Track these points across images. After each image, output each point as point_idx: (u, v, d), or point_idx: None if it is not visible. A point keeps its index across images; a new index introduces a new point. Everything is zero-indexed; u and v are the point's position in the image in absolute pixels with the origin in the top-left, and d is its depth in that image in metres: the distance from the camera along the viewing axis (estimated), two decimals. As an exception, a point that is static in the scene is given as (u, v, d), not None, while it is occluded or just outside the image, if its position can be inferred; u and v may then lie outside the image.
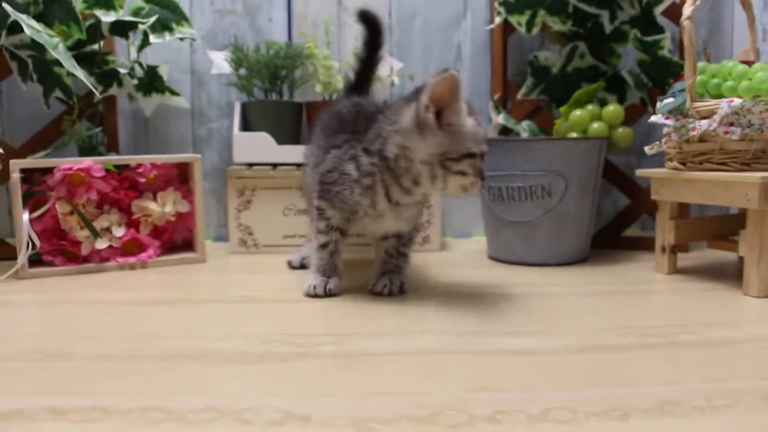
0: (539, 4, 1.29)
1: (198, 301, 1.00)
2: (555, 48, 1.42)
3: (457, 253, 1.37)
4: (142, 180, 1.27)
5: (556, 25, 1.31)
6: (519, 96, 1.40)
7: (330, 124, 1.03)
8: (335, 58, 1.47)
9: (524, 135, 1.37)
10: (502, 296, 0.98)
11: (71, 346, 0.76)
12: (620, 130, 1.25)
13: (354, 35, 1.51)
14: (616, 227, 1.40)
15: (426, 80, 0.86)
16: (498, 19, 1.37)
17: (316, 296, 0.99)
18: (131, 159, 1.27)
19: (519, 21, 1.32)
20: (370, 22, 1.11)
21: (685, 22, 1.01)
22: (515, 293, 1.00)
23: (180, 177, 1.34)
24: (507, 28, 1.43)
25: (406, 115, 0.87)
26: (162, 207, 1.28)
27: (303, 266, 1.21)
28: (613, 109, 1.24)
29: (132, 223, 1.28)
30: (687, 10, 1.01)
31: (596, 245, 1.39)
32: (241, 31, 1.50)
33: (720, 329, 0.82)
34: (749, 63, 1.07)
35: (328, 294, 0.99)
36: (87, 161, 1.20)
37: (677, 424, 0.55)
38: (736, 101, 0.97)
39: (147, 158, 1.27)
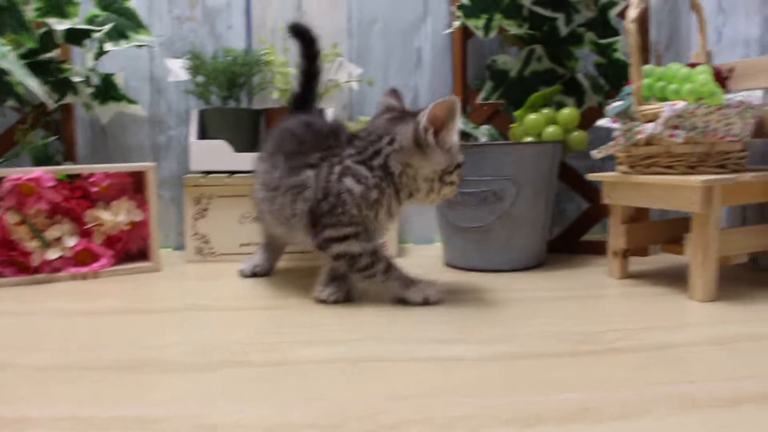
0: (495, 8, 1.28)
1: (145, 311, 0.99)
2: (514, 51, 1.41)
3: (415, 259, 1.36)
4: (95, 189, 1.26)
5: (513, 28, 1.30)
6: (478, 100, 1.39)
7: (287, 144, 1.03)
8: (293, 64, 1.46)
9: (483, 139, 1.36)
10: (446, 304, 0.97)
11: (12, 356, 0.76)
12: (575, 133, 1.24)
13: (313, 41, 1.51)
14: (576, 231, 1.39)
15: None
16: (456, 23, 1.36)
17: (433, 303, 0.97)
18: (82, 168, 1.25)
19: (476, 25, 1.31)
20: (301, 34, 1.13)
21: (629, 25, 1.00)
22: (460, 300, 0.99)
23: (135, 186, 1.33)
24: (466, 32, 1.42)
25: (406, 134, 0.92)
26: (115, 216, 1.27)
27: (255, 274, 1.20)
28: (567, 112, 1.23)
29: (85, 233, 1.27)
30: (632, 13, 1.00)
31: (557, 249, 1.38)
32: (200, 38, 1.50)
33: (658, 334, 0.81)
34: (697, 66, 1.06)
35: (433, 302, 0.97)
36: (37, 171, 1.19)
37: (583, 431, 0.54)
38: (680, 104, 0.96)
39: (99, 167, 1.26)
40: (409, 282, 0.98)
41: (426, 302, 0.96)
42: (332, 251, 0.96)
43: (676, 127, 0.98)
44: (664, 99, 1.01)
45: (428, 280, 0.99)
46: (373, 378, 0.67)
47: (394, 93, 1.02)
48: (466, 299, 1.00)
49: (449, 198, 0.99)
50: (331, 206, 0.94)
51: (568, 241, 1.39)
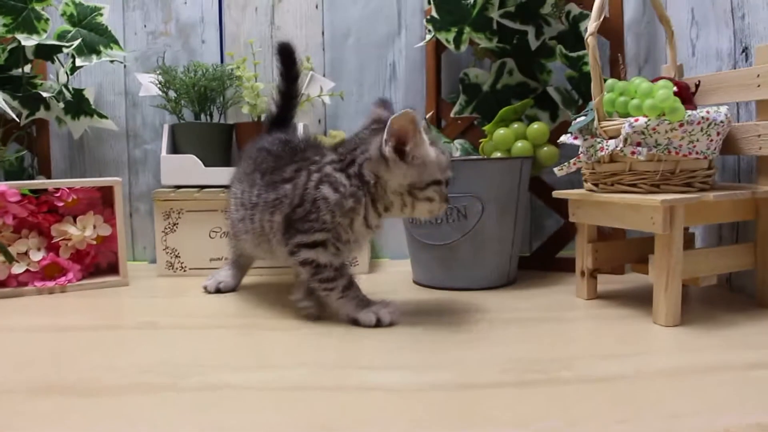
0: (464, 21, 1.26)
1: (96, 328, 0.98)
2: (487, 64, 1.38)
3: (385, 275, 1.34)
4: (61, 204, 1.25)
5: (483, 41, 1.27)
6: (452, 114, 1.36)
7: (263, 162, 1.03)
8: (267, 78, 1.45)
9: (456, 154, 1.34)
10: (400, 326, 0.94)
11: None
12: (545, 149, 1.21)
13: (287, 55, 1.49)
14: (551, 248, 1.35)
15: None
16: (428, 37, 1.34)
17: (385, 325, 0.94)
18: (48, 183, 1.25)
19: (447, 38, 1.28)
20: (287, 55, 1.14)
21: (588, 39, 0.97)
22: (415, 322, 0.96)
23: (104, 200, 1.32)
24: (439, 45, 1.40)
25: (375, 145, 0.91)
26: (82, 231, 1.26)
27: (219, 290, 1.18)
28: (537, 127, 1.20)
29: (52, 247, 1.26)
30: (590, 26, 0.97)
31: (532, 267, 1.35)
32: (174, 52, 1.49)
33: (609, 363, 0.77)
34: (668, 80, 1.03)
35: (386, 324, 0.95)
36: (1, 186, 1.19)
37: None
38: (641, 120, 0.93)
39: (65, 182, 1.26)
40: (364, 303, 0.95)
41: (378, 324, 0.94)
42: (300, 257, 0.94)
43: (638, 144, 0.95)
44: (627, 114, 0.97)
45: (384, 300, 0.97)
46: (297, 408, 0.65)
47: (384, 104, 1.02)
48: (421, 321, 0.97)
49: (435, 215, 0.96)
50: (305, 212, 0.93)
51: (544, 258, 1.36)
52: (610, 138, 0.98)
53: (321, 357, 0.82)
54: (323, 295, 0.96)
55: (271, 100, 1.20)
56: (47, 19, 1.30)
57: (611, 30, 1.30)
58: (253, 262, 1.23)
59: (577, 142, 1.03)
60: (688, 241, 1.11)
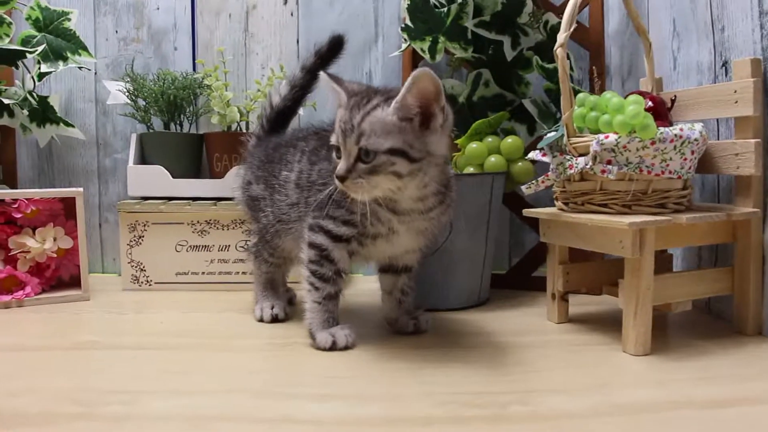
0: (438, 30, 1.21)
1: (35, 347, 0.94)
2: (464, 75, 1.34)
3: (355, 291, 1.29)
4: (19, 215, 1.21)
5: (458, 51, 1.23)
6: (428, 126, 1.31)
7: (321, 140, 0.98)
8: (240, 87, 1.41)
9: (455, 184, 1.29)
10: (356, 349, 0.90)
11: None
12: (519, 164, 1.16)
13: (260, 63, 1.45)
14: (526, 267, 1.30)
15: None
16: (404, 45, 1.30)
17: (340, 348, 0.90)
18: (6, 194, 1.21)
19: (422, 47, 1.24)
20: (335, 49, 1.10)
21: (557, 50, 0.92)
22: (371, 346, 0.92)
23: (67, 211, 1.28)
24: (416, 54, 1.35)
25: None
26: (42, 243, 1.22)
27: (276, 318, 1.07)
28: (511, 141, 1.16)
29: (10, 260, 1.22)
30: (560, 37, 0.92)
31: (507, 285, 1.30)
32: (146, 59, 1.45)
33: (563, 399, 0.72)
34: (643, 94, 0.98)
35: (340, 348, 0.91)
36: (-44, 196, 1.15)
37: None
38: (611, 137, 0.88)
39: (24, 192, 1.22)
40: (329, 323, 0.92)
41: (333, 347, 0.89)
42: (316, 239, 0.91)
43: (609, 162, 0.90)
44: (597, 131, 0.93)
45: (344, 323, 0.93)
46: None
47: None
48: (377, 344, 0.93)
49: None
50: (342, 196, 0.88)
51: (519, 277, 1.31)
52: (580, 155, 0.93)
53: (255, 381, 0.78)
54: (305, 288, 0.92)
55: (276, 94, 1.14)
56: (10, 23, 1.26)
57: (591, 41, 1.25)
58: (282, 281, 1.15)
59: (546, 159, 0.98)
60: (665, 263, 1.06)
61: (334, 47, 1.09)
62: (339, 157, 0.83)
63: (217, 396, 0.73)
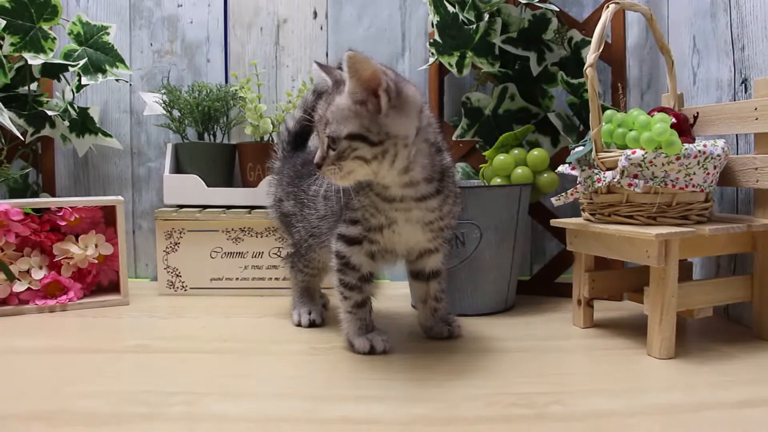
0: (466, 46, 1.26)
1: (91, 350, 0.98)
2: (489, 88, 1.39)
3: (384, 298, 1.34)
4: (63, 223, 1.26)
5: (485, 66, 1.28)
6: (453, 137, 1.37)
7: (299, 171, 1.06)
8: (271, 98, 1.46)
9: (457, 177, 1.34)
10: (394, 353, 0.95)
11: None
12: (545, 175, 1.21)
13: (290, 75, 1.50)
14: (550, 273, 1.35)
15: None
16: (431, 60, 1.35)
17: (379, 353, 0.95)
18: (51, 202, 1.26)
19: (450, 62, 1.29)
20: None
21: (587, 70, 0.97)
22: (409, 350, 0.97)
23: (106, 218, 1.33)
24: (442, 68, 1.41)
25: None
26: (84, 250, 1.28)
27: (313, 323, 1.12)
28: (537, 153, 1.21)
29: (54, 266, 1.27)
30: (589, 57, 0.97)
31: (532, 291, 1.35)
32: (179, 71, 1.50)
33: (598, 399, 0.77)
34: (667, 111, 1.03)
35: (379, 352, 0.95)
36: (4, 204, 1.20)
37: None
38: (638, 153, 0.93)
39: (68, 201, 1.27)
40: (365, 329, 0.96)
41: (372, 351, 0.94)
42: (336, 247, 0.95)
43: (635, 176, 0.95)
44: (624, 146, 0.97)
45: (380, 328, 0.97)
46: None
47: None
48: (415, 349, 0.98)
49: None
50: (349, 197, 0.92)
51: (543, 283, 1.36)
52: (608, 169, 0.98)
53: (308, 386, 0.82)
54: (338, 297, 0.97)
55: (291, 119, 1.19)
56: (54, 38, 1.31)
57: (613, 56, 1.30)
58: (319, 289, 1.19)
59: (574, 172, 1.03)
60: (686, 271, 1.11)
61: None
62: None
63: (275, 399, 0.78)
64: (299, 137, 1.19)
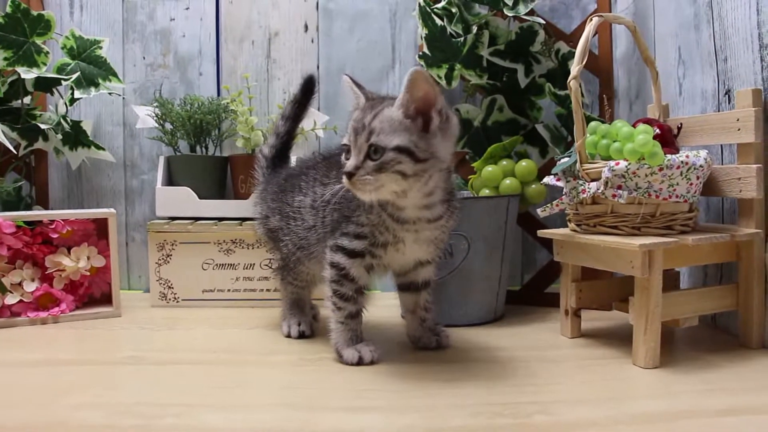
0: (454, 58, 1.28)
1: (84, 362, 0.99)
2: (478, 100, 1.40)
3: (374, 308, 1.34)
4: (56, 236, 1.27)
5: (473, 78, 1.29)
6: (443, 148, 1.37)
7: (330, 165, 1.03)
8: (263, 111, 1.48)
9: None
10: (382, 363, 0.95)
11: None
12: (533, 186, 1.22)
13: (282, 88, 1.52)
14: (539, 283, 1.36)
15: None
16: (420, 72, 1.36)
17: (366, 363, 0.95)
18: (43, 215, 1.27)
19: (439, 74, 1.30)
20: (311, 85, 1.16)
21: (571, 82, 0.98)
22: (397, 360, 0.97)
23: (99, 231, 1.34)
24: (432, 80, 1.42)
25: None
26: (76, 262, 1.28)
27: (302, 334, 1.13)
28: (525, 165, 1.22)
29: (47, 278, 1.28)
30: (573, 70, 0.98)
31: (521, 301, 1.36)
32: (172, 84, 1.52)
33: (581, 408, 0.78)
34: (651, 122, 1.04)
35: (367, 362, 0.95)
36: (-3, 217, 1.21)
37: None
38: (621, 164, 0.94)
39: (60, 214, 1.28)
40: (354, 340, 0.97)
41: (360, 362, 0.95)
42: (335, 258, 0.95)
43: (619, 187, 0.96)
44: (608, 157, 0.99)
45: (368, 339, 0.98)
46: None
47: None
48: (402, 359, 0.98)
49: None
50: (351, 210, 0.93)
51: (533, 293, 1.36)
52: (592, 180, 0.99)
53: (299, 396, 0.83)
54: (329, 308, 0.97)
55: (265, 146, 1.22)
56: (47, 53, 1.33)
57: (601, 67, 1.31)
58: (309, 300, 1.20)
59: (560, 183, 1.04)
60: (672, 281, 1.12)
61: (308, 90, 1.17)
62: (348, 159, 0.86)
63: (267, 410, 0.78)
64: (276, 159, 1.21)
